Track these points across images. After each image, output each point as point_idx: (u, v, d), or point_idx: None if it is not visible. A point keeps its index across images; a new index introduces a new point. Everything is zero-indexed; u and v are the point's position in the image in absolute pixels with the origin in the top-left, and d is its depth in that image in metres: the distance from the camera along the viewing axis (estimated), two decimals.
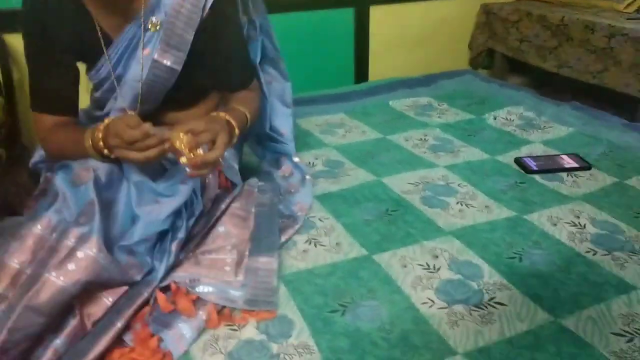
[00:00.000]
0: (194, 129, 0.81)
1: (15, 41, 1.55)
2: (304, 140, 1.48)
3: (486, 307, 0.83)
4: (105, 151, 0.85)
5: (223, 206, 0.98)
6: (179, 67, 0.95)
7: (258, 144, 1.33)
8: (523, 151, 1.40)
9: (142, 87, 0.94)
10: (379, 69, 2.34)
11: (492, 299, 0.85)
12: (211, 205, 0.99)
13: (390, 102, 1.81)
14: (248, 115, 1.02)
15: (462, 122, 1.63)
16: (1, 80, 1.44)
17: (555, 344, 0.75)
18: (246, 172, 1.22)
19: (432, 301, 0.85)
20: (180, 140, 0.78)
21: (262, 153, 1.33)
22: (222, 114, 0.94)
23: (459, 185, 1.22)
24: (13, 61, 1.55)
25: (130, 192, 0.85)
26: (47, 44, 0.93)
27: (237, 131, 0.95)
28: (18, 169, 1.47)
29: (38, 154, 1.05)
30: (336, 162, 1.36)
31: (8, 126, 1.48)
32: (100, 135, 0.84)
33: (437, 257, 0.96)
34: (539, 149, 1.41)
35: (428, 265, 0.93)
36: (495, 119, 1.63)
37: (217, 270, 0.87)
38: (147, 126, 0.78)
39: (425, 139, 1.50)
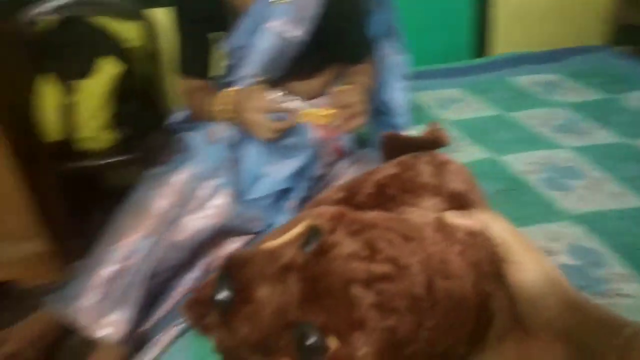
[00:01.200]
0: (344, 102, 0.85)
1: (158, 15, 1.72)
2: (417, 115, 1.47)
3: (608, 297, 0.78)
4: (232, 116, 0.93)
5: (338, 172, 1.02)
6: (304, 39, 1.00)
7: (371, 117, 1.35)
8: None
9: (268, 57, 1.01)
10: (501, 42, 2.20)
11: (616, 290, 0.80)
12: (327, 171, 1.04)
13: (513, 79, 1.71)
14: (367, 87, 1.05)
15: (594, 102, 1.49)
16: (148, 48, 1.62)
17: None
18: (361, 143, 1.26)
19: None
20: (318, 117, 0.83)
21: (375, 127, 1.35)
22: (351, 86, 0.97)
23: (586, 168, 1.14)
24: (157, 33, 1.72)
25: (257, 152, 0.92)
26: (192, 18, 1.03)
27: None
28: (158, 129, 1.66)
29: (178, 116, 1.18)
30: (450, 137, 1.34)
31: (152, 90, 1.67)
32: (229, 100, 0.91)
33: (555, 241, 0.92)
34: None
35: (544, 249, 0.90)
36: (633, 99, 1.47)
37: None
38: (276, 102, 0.83)
39: (550, 119, 1.40)
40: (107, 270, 0.77)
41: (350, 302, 0.26)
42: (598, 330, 0.30)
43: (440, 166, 0.41)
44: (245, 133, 0.98)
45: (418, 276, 0.28)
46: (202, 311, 0.27)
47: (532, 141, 1.27)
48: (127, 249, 0.78)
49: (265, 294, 0.26)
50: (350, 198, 0.39)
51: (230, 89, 0.94)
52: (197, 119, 1.03)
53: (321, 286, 0.26)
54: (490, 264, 0.33)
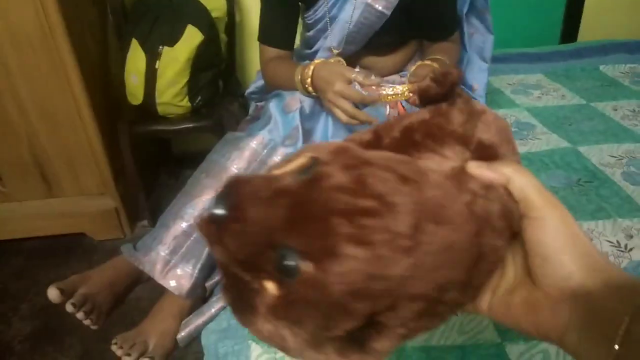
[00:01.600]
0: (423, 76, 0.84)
1: None
2: (492, 98, 1.42)
3: None
4: (310, 89, 0.93)
5: None
6: (388, 12, 0.98)
7: None
8: None
9: (351, 29, 1.01)
10: (591, 28, 2.06)
11: None
12: None
13: (601, 67, 1.60)
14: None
15: None
16: (227, 20, 1.66)
17: None
18: None
19: None
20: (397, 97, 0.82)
21: None
22: (430, 63, 0.95)
23: None
24: (237, 4, 1.77)
25: (328, 124, 0.93)
26: None
27: None
28: (231, 98, 1.72)
29: (253, 86, 1.21)
30: (526, 124, 1.28)
31: (227, 62, 1.72)
32: (309, 73, 0.91)
33: (631, 237, 0.86)
34: None
35: (619, 244, 0.85)
36: None
37: None
38: (359, 84, 0.82)
39: (639, 111, 1.31)
40: (179, 226, 0.82)
41: (327, 231, 0.27)
42: (617, 292, 0.29)
43: (474, 115, 0.40)
44: (320, 104, 0.99)
45: (404, 215, 0.28)
46: (207, 227, 0.30)
47: (616, 133, 1.20)
48: (201, 207, 0.82)
49: (255, 214, 0.28)
50: (377, 140, 0.39)
51: (313, 61, 0.92)
52: (272, 86, 1.04)
53: (305, 212, 0.27)
54: (502, 219, 0.32)
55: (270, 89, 1.05)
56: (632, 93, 1.42)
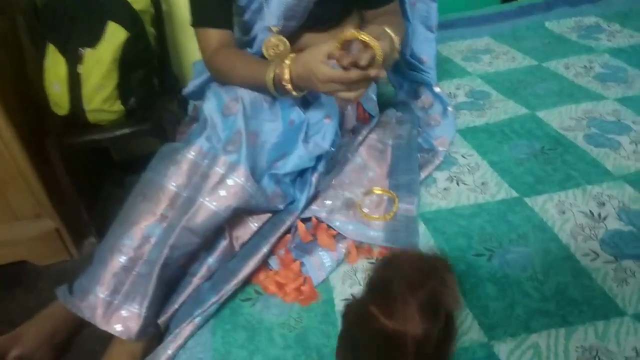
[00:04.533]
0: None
1: None
2: (443, 68, 1.36)
3: None
4: (289, 87, 0.80)
5: (360, 138, 0.95)
6: None
7: (395, 72, 1.25)
8: None
9: (290, 2, 0.91)
10: None
11: None
12: (349, 137, 0.96)
13: (547, 23, 1.57)
14: (396, 39, 0.90)
15: (638, 46, 1.36)
16: (153, 12, 1.52)
17: None
18: (383, 103, 1.17)
19: (596, 254, 0.75)
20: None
21: (400, 82, 1.25)
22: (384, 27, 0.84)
23: (633, 121, 1.03)
24: None
25: (278, 123, 0.85)
26: None
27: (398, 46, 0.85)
28: (169, 97, 1.59)
29: (192, 84, 1.10)
30: (481, 92, 1.24)
31: (160, 57, 1.58)
32: (287, 78, 0.79)
33: (603, 204, 0.83)
34: None
35: (592, 213, 0.82)
36: None
37: (354, 210, 0.86)
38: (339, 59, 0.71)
39: (590, 67, 1.28)
40: (117, 261, 0.72)
41: None
42: None
43: None
44: (263, 103, 0.89)
45: None
46: None
47: (572, 93, 1.17)
48: (139, 236, 0.73)
49: None
50: None
51: (285, 63, 0.79)
52: (222, 80, 0.92)
53: None
54: None
55: (218, 81, 0.93)
56: (581, 48, 1.39)
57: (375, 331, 0.48)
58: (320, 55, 0.73)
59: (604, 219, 0.81)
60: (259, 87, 0.85)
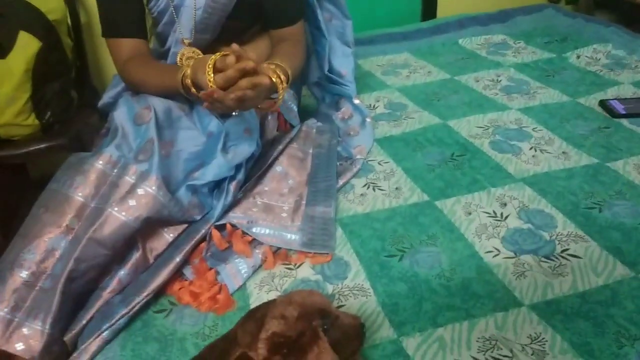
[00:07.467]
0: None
1: None
2: (364, 82, 1.42)
3: (558, 258, 0.77)
4: (193, 89, 0.80)
5: (281, 147, 0.96)
6: None
7: (317, 85, 1.28)
8: (609, 93, 1.26)
9: (201, 15, 0.91)
10: (448, 4, 2.17)
11: (565, 250, 0.79)
12: (269, 147, 0.97)
13: (460, 41, 1.68)
14: (289, 71, 0.89)
15: (540, 62, 1.48)
16: (70, 23, 1.47)
17: (634, 301, 0.69)
18: (305, 114, 1.19)
19: (498, 250, 0.80)
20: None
21: (321, 95, 1.28)
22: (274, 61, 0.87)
23: (533, 129, 1.12)
24: (80, 4, 1.57)
25: (193, 131, 0.84)
26: None
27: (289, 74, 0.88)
28: (89, 110, 1.53)
29: (107, 96, 1.06)
30: (398, 104, 1.30)
31: (78, 69, 1.53)
32: (188, 71, 0.79)
33: (505, 204, 0.90)
34: (628, 91, 1.26)
35: (495, 213, 0.88)
36: (578, 57, 1.47)
37: (273, 215, 0.87)
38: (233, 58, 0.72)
39: (497, 80, 1.38)
40: (18, 276, 0.68)
41: None
42: None
43: None
44: (177, 111, 0.89)
45: None
46: None
47: (480, 104, 1.25)
48: (43, 249, 0.69)
49: None
50: None
51: (189, 64, 0.80)
52: (137, 89, 0.89)
53: None
54: None
55: (134, 92, 0.91)
56: (490, 63, 1.50)
57: None
58: (204, 65, 0.74)
59: (506, 218, 0.87)
60: (171, 92, 0.85)
